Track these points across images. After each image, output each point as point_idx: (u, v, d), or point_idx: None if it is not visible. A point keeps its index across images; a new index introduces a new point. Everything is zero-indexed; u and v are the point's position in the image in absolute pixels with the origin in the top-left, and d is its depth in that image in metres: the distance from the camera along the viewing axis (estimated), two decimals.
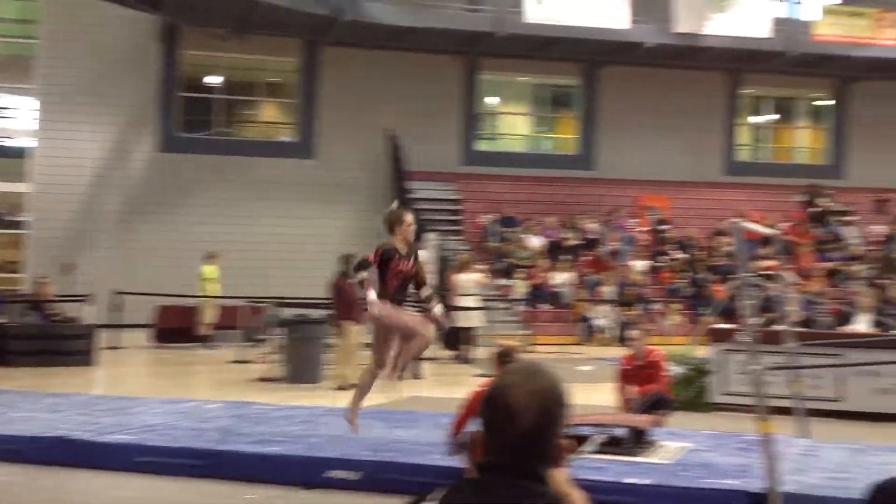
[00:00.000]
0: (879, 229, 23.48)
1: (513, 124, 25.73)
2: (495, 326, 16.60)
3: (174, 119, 22.70)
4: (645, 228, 23.07)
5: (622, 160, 24.13)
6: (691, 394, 10.83)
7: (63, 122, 21.62)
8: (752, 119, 26.47)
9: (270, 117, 24.49)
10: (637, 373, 8.51)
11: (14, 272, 22.86)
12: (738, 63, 24.45)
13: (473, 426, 5.18)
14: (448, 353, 16.43)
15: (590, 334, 19.93)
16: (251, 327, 16.31)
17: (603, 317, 20.24)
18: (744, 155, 26.00)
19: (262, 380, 12.90)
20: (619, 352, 10.87)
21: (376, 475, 6.31)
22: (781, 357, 7.64)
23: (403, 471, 6.26)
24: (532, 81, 25.28)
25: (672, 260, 22.11)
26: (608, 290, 20.79)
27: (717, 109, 25.25)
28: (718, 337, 10.93)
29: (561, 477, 3.27)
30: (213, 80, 23.46)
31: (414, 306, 8.71)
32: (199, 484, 6.60)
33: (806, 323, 14.99)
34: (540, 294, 20.76)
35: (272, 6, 20.73)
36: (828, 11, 24.49)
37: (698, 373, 11.04)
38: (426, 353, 14.70)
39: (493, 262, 20.96)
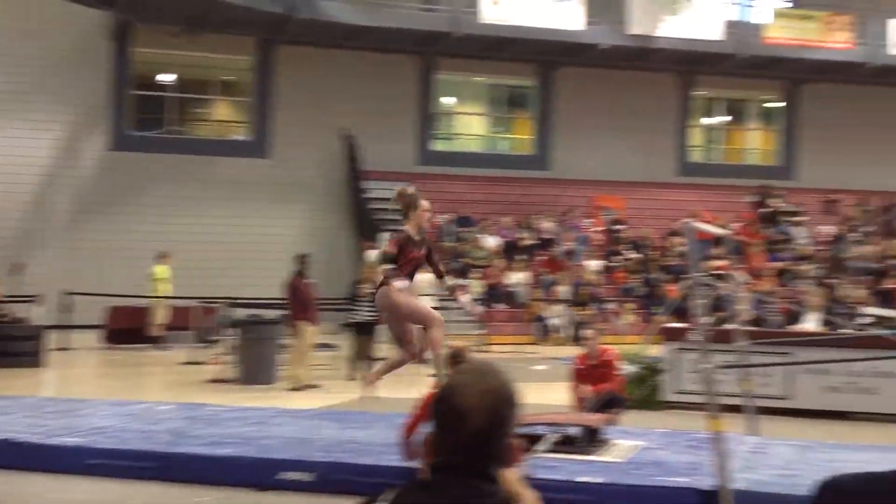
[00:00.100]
0: (828, 230, 23.86)
1: (469, 124, 25.76)
2: (451, 326, 16.59)
3: (126, 117, 22.41)
4: (599, 228, 23.23)
5: (577, 160, 24.28)
6: (644, 392, 10.92)
7: (13, 121, 21.22)
8: (705, 120, 26.78)
9: (224, 116, 24.27)
10: (591, 372, 8.57)
11: None
12: (691, 65, 24.73)
13: (426, 427, 5.17)
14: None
15: (545, 334, 20.02)
16: (204, 328, 16.16)
17: (557, 316, 20.34)
18: (696, 156, 26.29)
19: (215, 381, 12.79)
20: (573, 351, 10.93)
21: (329, 476, 6.27)
22: (732, 355, 7.73)
23: (357, 472, 6.24)
24: (488, 82, 25.34)
25: (626, 260, 22.28)
26: (563, 290, 20.90)
27: (670, 111, 25.51)
28: (671, 336, 11.03)
29: (513, 477, 3.27)
30: (166, 78, 23.20)
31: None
32: (149, 486, 6.53)
33: (756, 322, 15.14)
34: (495, 294, 20.82)
35: (226, 4, 20.55)
36: (778, 14, 24.86)
37: (651, 371, 11.15)
38: (380, 354, 14.71)
39: (448, 262, 20.94)
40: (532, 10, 22.70)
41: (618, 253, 22.49)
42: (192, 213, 21.63)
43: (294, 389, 12.14)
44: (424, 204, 7.16)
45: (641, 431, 7.83)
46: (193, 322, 16.63)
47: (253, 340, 12.66)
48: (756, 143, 27.28)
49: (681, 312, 13.93)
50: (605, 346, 8.94)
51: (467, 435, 1.82)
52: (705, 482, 5.72)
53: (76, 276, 19.26)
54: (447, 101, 25.37)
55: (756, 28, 24.58)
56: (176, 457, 6.74)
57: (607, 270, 21.96)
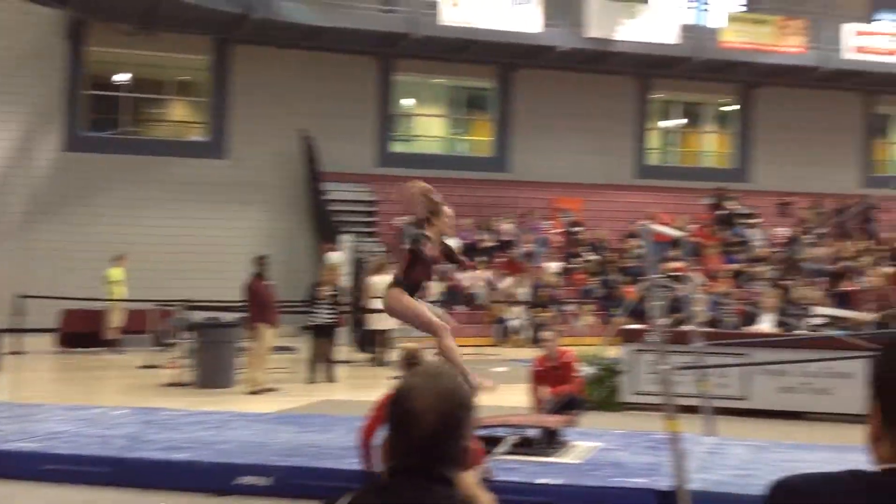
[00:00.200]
0: (782, 231, 24.19)
1: (428, 126, 25.77)
2: (410, 329, 16.57)
3: (81, 118, 22.12)
4: (558, 230, 23.34)
5: (536, 162, 24.38)
6: (603, 393, 11.00)
7: None
8: (662, 123, 27.03)
9: (181, 116, 24.04)
10: (550, 373, 8.60)
11: None
12: (648, 68, 24.94)
13: (383, 430, 5.15)
14: (362, 355, 16.38)
15: (504, 335, 20.07)
16: (161, 331, 16.00)
17: (517, 318, 20.40)
18: (653, 158, 26.51)
19: (172, 385, 12.67)
20: (532, 353, 10.97)
21: (288, 480, 6.23)
22: (689, 357, 7.80)
23: (315, 476, 6.20)
24: (447, 83, 25.36)
25: (585, 261, 22.41)
26: (522, 292, 20.96)
27: (628, 113, 25.71)
28: (629, 337, 11.12)
29: (470, 480, 3.27)
30: (121, 77, 22.93)
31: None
32: (106, 492, 6.44)
33: (713, 323, 15.34)
34: (455, 295, 20.82)
35: (181, 2, 20.36)
36: (733, 19, 25.16)
37: (610, 373, 11.22)
38: (340, 357, 14.67)
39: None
40: (491, 12, 22.76)
41: (576, 255, 22.62)
42: (148, 215, 21.39)
43: (252, 393, 12.06)
44: (448, 210, 7.00)
45: (600, 432, 7.86)
46: (150, 325, 16.46)
47: (210, 343, 12.55)
48: (712, 146, 27.59)
49: (638, 314, 14.04)
50: (564, 348, 8.98)
51: (419, 437, 1.82)
52: (663, 483, 5.76)
53: (30, 279, 18.98)
54: (406, 102, 25.36)
55: (712, 32, 24.87)
56: (132, 462, 6.65)
57: (566, 272, 22.07)
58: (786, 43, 24.96)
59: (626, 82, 25.34)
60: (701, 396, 7.82)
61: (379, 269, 16.56)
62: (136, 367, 14.72)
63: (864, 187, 26.15)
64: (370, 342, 15.95)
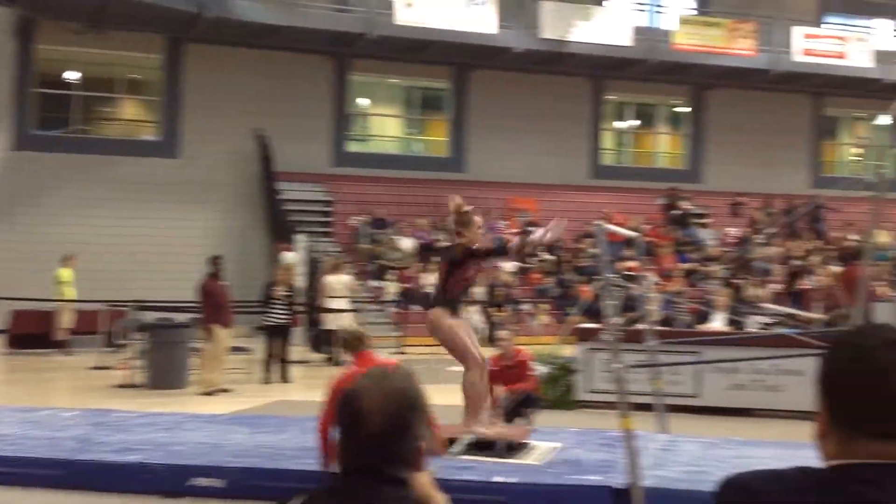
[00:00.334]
0: (734, 231, 24.51)
1: (383, 126, 25.72)
2: (367, 328, 16.52)
3: (30, 116, 21.76)
4: (514, 230, 23.40)
5: (492, 163, 24.45)
6: (558, 392, 11.07)
7: None
8: (616, 124, 27.24)
9: (132, 115, 23.73)
10: (506, 373, 8.63)
11: None
12: (602, 69, 25.12)
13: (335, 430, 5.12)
14: (318, 355, 16.31)
15: None
16: (112, 332, 15.79)
17: (472, 318, 20.41)
18: (608, 159, 26.71)
19: (123, 386, 12.53)
20: (488, 352, 10.99)
21: (241, 482, 6.18)
22: (643, 355, 7.86)
23: (269, 477, 6.16)
24: (402, 83, 25.34)
25: (540, 261, 22.51)
26: (478, 292, 20.98)
27: (583, 114, 25.87)
28: (584, 336, 11.20)
29: (424, 480, 3.27)
30: (72, 75, 22.59)
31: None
32: (55, 495, 6.34)
33: (666, 322, 15.47)
34: (411, 295, 20.80)
35: (130, 1, 20.08)
36: (684, 21, 25.43)
37: (565, 371, 11.29)
38: (295, 357, 14.59)
39: (364, 264, 20.88)
40: (446, 12, 22.77)
41: (532, 255, 22.69)
42: (98, 215, 21.09)
43: (206, 394, 11.96)
44: (479, 220, 6.91)
45: (555, 431, 7.90)
46: (101, 326, 16.23)
47: (162, 344, 12.43)
48: (665, 147, 27.86)
49: (593, 313, 14.13)
50: (520, 348, 9.02)
51: (368, 438, 1.82)
52: (618, 480, 5.80)
53: None
54: (362, 102, 25.28)
55: (665, 34, 25.11)
56: (82, 464, 6.56)
57: (522, 272, 22.15)
58: (737, 45, 25.27)
59: (580, 83, 25.50)
60: (654, 394, 7.89)
61: (334, 269, 16.51)
62: (87, 368, 14.53)
63: (814, 188, 26.57)
64: (325, 342, 15.89)
